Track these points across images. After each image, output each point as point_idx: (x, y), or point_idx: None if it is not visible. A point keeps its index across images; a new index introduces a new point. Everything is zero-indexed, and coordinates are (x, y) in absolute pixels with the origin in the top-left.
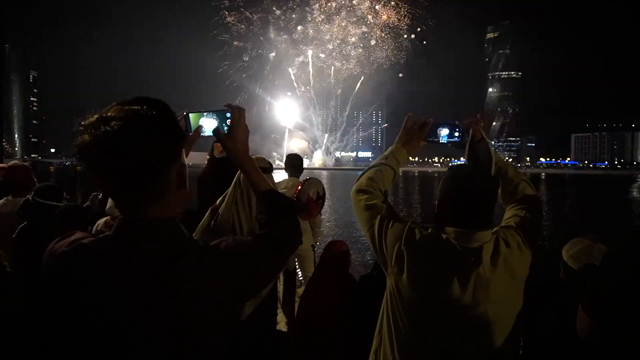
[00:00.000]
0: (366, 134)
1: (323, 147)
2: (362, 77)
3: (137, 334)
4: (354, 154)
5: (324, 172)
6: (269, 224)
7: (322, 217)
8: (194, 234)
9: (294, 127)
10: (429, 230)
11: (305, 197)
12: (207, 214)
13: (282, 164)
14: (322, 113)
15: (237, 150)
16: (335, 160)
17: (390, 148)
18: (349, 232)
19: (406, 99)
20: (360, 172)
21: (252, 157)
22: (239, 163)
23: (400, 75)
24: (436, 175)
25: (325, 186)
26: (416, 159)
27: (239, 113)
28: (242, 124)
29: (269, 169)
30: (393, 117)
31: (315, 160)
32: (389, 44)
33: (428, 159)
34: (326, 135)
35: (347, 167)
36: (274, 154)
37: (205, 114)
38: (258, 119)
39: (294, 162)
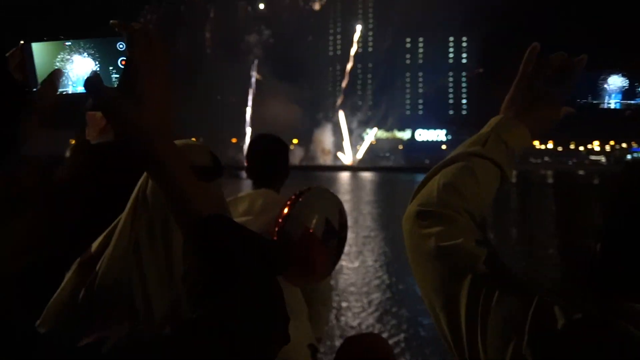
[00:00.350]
0: (432, 91)
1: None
2: None
3: None
4: (404, 133)
5: (341, 176)
6: (209, 299)
7: (339, 274)
8: (38, 322)
9: (262, 77)
10: (587, 311)
11: (300, 230)
12: (68, 274)
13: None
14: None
15: (143, 126)
16: (362, 152)
17: (491, 122)
18: (394, 302)
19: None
20: (422, 177)
21: (179, 143)
22: (148, 155)
23: None
24: (595, 181)
25: (345, 204)
26: (549, 145)
27: (145, 41)
28: (154, 66)
29: (213, 169)
30: (493, 55)
31: (319, 147)
32: None
33: (570, 144)
34: (341, 86)
35: (388, 166)
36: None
37: (68, 43)
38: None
39: (267, 155)
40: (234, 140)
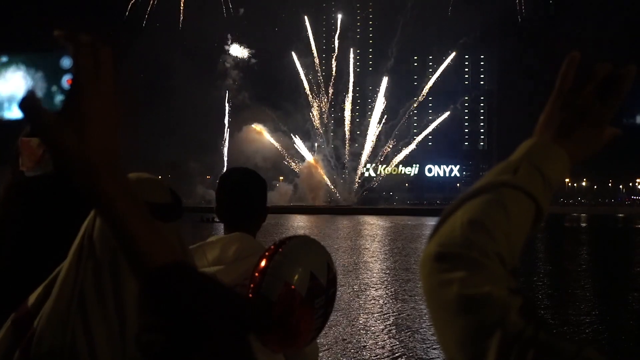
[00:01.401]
0: (444, 119)
1: (323, 147)
2: None
3: None
4: (411, 168)
5: (332, 220)
6: None
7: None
8: None
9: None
10: None
11: (280, 287)
12: (0, 333)
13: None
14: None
15: (88, 157)
16: (361, 191)
17: (522, 146)
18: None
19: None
20: (433, 221)
21: (132, 177)
22: (94, 191)
23: None
24: (639, 225)
25: (333, 256)
26: (582, 182)
27: (93, 58)
28: (102, 88)
29: (171, 207)
30: (516, 77)
31: (308, 184)
32: None
33: (608, 182)
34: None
35: (390, 208)
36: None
37: (4, 59)
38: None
39: (241, 192)
40: (208, 177)
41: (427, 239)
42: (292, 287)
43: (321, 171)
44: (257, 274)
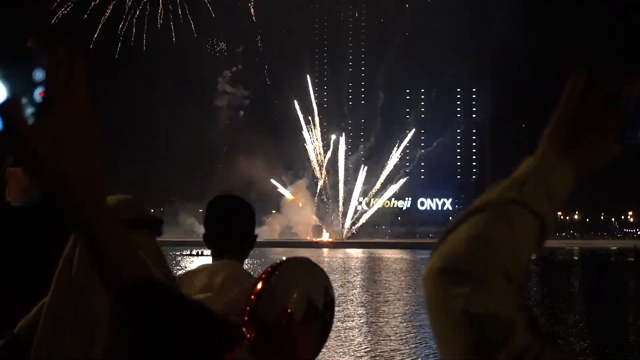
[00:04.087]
0: (436, 151)
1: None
2: None
3: None
4: (403, 201)
5: (325, 254)
6: None
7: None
8: None
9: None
10: None
11: (276, 311)
12: None
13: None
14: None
15: (60, 167)
16: (352, 230)
17: (527, 162)
18: None
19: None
20: (426, 255)
21: (110, 201)
22: (67, 204)
23: None
24: (631, 258)
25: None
26: (574, 216)
27: (67, 67)
28: (76, 96)
29: (146, 222)
30: (508, 108)
31: (300, 218)
32: None
33: (600, 215)
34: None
35: (383, 242)
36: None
37: None
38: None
39: (229, 219)
40: (200, 210)
41: (430, 253)
42: (289, 310)
43: (305, 203)
44: (253, 297)
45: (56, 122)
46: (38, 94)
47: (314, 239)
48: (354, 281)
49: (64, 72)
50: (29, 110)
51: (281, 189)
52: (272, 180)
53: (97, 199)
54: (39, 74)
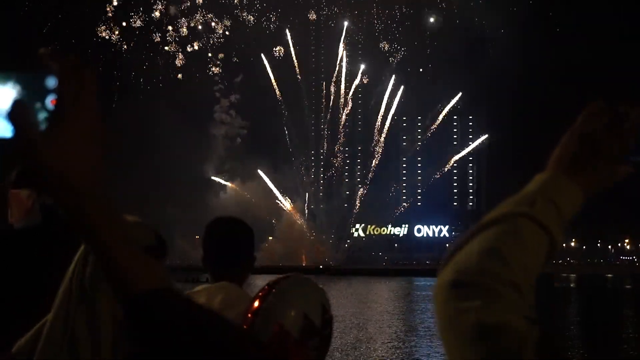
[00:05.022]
0: (433, 179)
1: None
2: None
3: None
4: (400, 229)
5: (320, 281)
6: None
7: None
8: None
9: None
10: None
11: (271, 328)
12: None
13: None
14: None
15: (68, 175)
16: (345, 255)
17: (536, 179)
18: None
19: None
20: (422, 282)
21: (127, 220)
22: (76, 212)
23: None
24: (628, 285)
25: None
26: (571, 243)
27: (76, 77)
28: (86, 106)
29: (156, 248)
30: (504, 137)
31: (295, 245)
32: None
33: (597, 242)
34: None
35: (380, 268)
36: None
37: None
38: None
39: (228, 241)
40: (197, 237)
41: (440, 266)
42: (285, 327)
43: (300, 229)
44: (249, 315)
45: (66, 131)
46: (50, 101)
47: (304, 265)
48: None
49: (75, 81)
50: (41, 116)
51: (281, 203)
52: (278, 195)
53: (104, 205)
54: (51, 81)
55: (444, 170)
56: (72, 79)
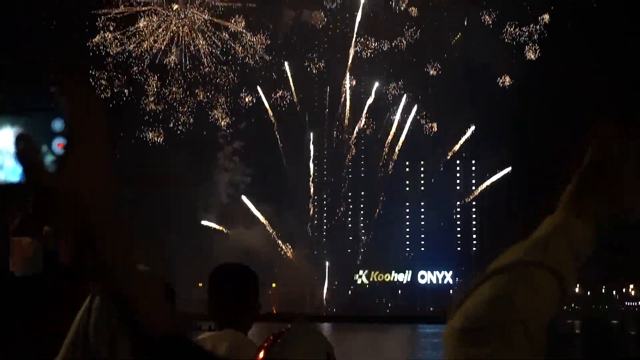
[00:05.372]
0: (436, 224)
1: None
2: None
3: None
4: (403, 275)
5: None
6: None
7: None
8: None
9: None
10: None
11: None
12: None
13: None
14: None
15: (81, 201)
16: (349, 302)
17: (548, 222)
18: None
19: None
20: (427, 329)
21: (140, 268)
22: (90, 239)
23: None
24: (632, 331)
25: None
26: (575, 289)
27: (85, 105)
28: (95, 132)
29: (165, 297)
30: (508, 182)
31: (297, 291)
32: None
33: (601, 288)
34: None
35: (383, 316)
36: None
37: None
38: None
39: (233, 288)
40: (200, 284)
41: (451, 312)
42: None
43: (303, 275)
44: None
45: (76, 154)
46: (57, 144)
47: (306, 312)
48: None
49: (83, 108)
50: (49, 159)
51: (283, 250)
52: (279, 242)
53: (122, 242)
54: (57, 124)
55: (450, 213)
56: (81, 106)
